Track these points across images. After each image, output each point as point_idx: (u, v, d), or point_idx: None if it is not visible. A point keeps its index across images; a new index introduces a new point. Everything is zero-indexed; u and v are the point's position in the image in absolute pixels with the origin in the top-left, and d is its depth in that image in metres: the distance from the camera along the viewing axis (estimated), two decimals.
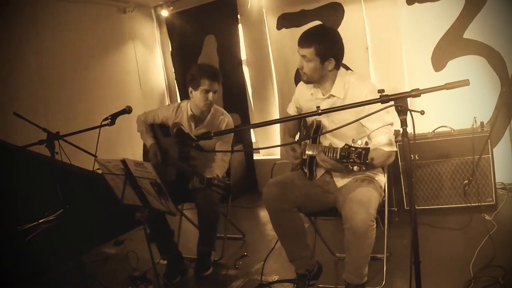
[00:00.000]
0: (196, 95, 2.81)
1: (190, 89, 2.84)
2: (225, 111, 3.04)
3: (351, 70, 4.06)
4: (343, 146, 1.89)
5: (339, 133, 2.24)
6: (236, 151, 4.59)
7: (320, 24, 2.29)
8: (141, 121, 3.08)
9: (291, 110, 2.64)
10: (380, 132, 2.14)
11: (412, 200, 1.63)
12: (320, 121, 2.32)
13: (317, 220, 2.83)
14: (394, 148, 2.17)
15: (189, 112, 2.93)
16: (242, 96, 4.86)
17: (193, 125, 2.95)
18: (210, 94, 2.78)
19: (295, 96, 2.58)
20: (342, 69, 2.31)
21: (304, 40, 2.20)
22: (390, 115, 2.12)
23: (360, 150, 1.83)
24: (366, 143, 1.84)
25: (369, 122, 2.15)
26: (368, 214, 2.03)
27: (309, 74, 2.25)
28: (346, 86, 2.24)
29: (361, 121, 2.14)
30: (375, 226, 2.07)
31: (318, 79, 2.28)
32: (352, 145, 1.87)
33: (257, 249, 3.24)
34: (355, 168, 1.85)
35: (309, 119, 2.44)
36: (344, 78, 2.27)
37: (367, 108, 1.99)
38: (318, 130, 2.31)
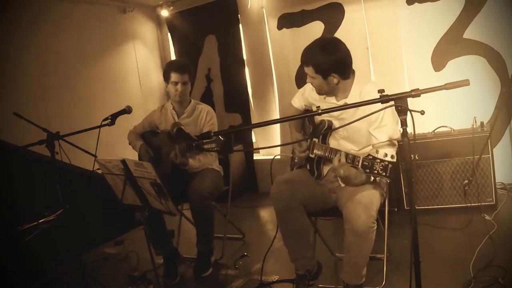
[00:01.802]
0: (169, 88, 3.03)
1: (166, 84, 3.05)
2: (204, 103, 3.20)
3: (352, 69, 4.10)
4: (367, 156, 1.87)
5: (350, 137, 2.28)
6: (236, 151, 4.59)
7: (319, 38, 2.24)
8: (131, 132, 3.22)
9: (297, 103, 2.60)
10: (387, 143, 2.15)
11: (412, 200, 1.63)
12: (331, 122, 2.32)
13: (317, 220, 2.83)
14: (395, 160, 2.18)
15: (171, 107, 3.11)
16: (243, 96, 4.86)
17: (176, 117, 3.10)
18: (179, 85, 2.96)
19: (305, 93, 2.53)
20: (358, 76, 2.27)
21: (303, 59, 2.19)
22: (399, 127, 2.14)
23: (387, 163, 1.80)
24: (392, 156, 1.82)
25: (380, 134, 2.15)
26: (369, 216, 2.03)
27: (317, 88, 2.26)
28: (362, 95, 2.22)
29: (370, 131, 2.18)
30: (375, 227, 2.07)
31: (328, 92, 2.27)
32: (376, 156, 1.84)
33: (257, 249, 3.24)
34: (378, 179, 1.83)
35: (318, 118, 2.43)
36: (360, 86, 2.24)
37: (380, 117, 2.07)
38: (328, 130, 2.31)
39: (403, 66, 3.95)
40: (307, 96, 2.51)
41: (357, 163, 1.96)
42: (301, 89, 2.58)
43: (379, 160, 1.82)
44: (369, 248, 2.10)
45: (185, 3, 5.05)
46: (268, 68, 4.76)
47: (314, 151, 2.30)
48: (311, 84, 2.26)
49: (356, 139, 2.28)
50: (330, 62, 2.12)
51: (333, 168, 2.17)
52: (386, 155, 1.83)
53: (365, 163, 1.87)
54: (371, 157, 1.85)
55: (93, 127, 2.46)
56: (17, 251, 3.01)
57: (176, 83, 2.95)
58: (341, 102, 2.27)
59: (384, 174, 1.81)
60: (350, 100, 2.24)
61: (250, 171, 4.92)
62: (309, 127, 2.56)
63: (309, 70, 2.18)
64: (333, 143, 2.35)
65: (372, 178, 1.85)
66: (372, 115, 1.95)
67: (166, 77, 2.98)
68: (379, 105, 1.89)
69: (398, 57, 3.94)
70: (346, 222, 2.08)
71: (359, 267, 2.16)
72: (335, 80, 2.17)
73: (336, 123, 2.31)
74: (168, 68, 2.97)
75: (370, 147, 2.25)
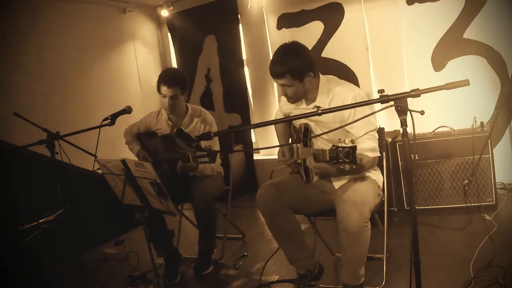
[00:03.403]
0: (161, 100, 2.91)
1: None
2: (203, 109, 3.09)
3: (352, 70, 4.11)
4: (331, 148, 1.87)
5: (328, 138, 2.27)
6: (236, 151, 4.59)
7: (281, 47, 2.25)
8: (127, 133, 3.17)
9: (279, 117, 2.64)
10: (364, 139, 2.16)
11: (412, 200, 1.63)
12: (307, 124, 2.32)
13: (317, 220, 2.83)
14: (378, 154, 2.20)
15: (166, 116, 3.01)
16: (242, 96, 4.86)
17: (171, 126, 3.01)
18: (167, 99, 2.82)
19: (281, 106, 2.58)
20: (322, 77, 2.28)
21: (277, 72, 2.17)
22: (375, 118, 2.18)
23: (348, 149, 1.80)
24: (352, 141, 1.82)
25: (354, 129, 2.16)
26: (361, 216, 2.02)
27: (295, 96, 2.25)
28: (330, 95, 2.22)
29: (346, 128, 2.17)
30: (369, 227, 2.07)
31: (304, 95, 2.27)
32: (339, 145, 1.84)
33: (257, 249, 3.24)
34: (347, 167, 1.83)
35: (296, 124, 2.43)
36: (326, 86, 2.24)
37: (352, 114, 2.10)
38: (307, 133, 2.31)
39: (403, 66, 3.95)
40: (283, 109, 2.54)
41: (325, 157, 1.96)
42: (279, 104, 2.60)
43: (341, 148, 1.82)
44: (364, 248, 2.10)
45: (185, 3, 5.06)
46: (268, 68, 4.74)
47: (300, 156, 2.31)
48: (286, 95, 2.24)
49: (333, 139, 2.26)
50: (303, 62, 2.15)
51: (308, 166, 2.18)
52: (346, 142, 1.82)
53: (331, 155, 1.86)
54: (334, 147, 1.85)
55: (93, 127, 2.46)
56: (17, 251, 3.01)
57: (164, 96, 2.83)
58: (312, 105, 2.27)
59: (347, 160, 1.79)
60: (319, 102, 2.24)
61: (250, 171, 4.92)
62: (293, 134, 2.56)
63: (285, 80, 2.16)
64: (316, 143, 2.36)
65: (342, 167, 1.83)
66: (343, 112, 2.08)
67: (157, 88, 2.87)
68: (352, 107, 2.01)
69: (398, 57, 3.95)
70: (339, 223, 2.09)
71: (356, 267, 2.16)
72: (310, 79, 2.18)
73: (312, 125, 2.32)
74: (158, 79, 2.84)
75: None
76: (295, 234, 2.39)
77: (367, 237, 2.07)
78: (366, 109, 2.10)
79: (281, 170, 2.64)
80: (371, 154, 2.15)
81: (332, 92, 2.22)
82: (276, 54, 2.22)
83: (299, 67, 2.13)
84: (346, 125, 1.91)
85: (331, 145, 2.25)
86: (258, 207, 2.38)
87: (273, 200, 2.31)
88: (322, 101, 2.23)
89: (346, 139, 1.83)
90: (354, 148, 1.80)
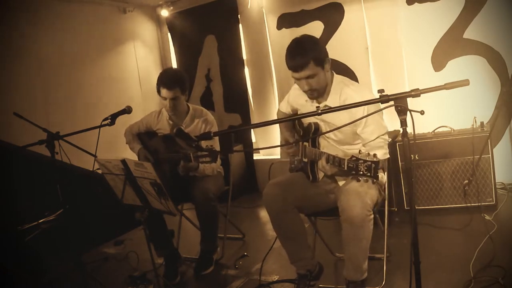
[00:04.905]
0: (161, 102, 2.92)
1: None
2: (204, 110, 3.09)
3: (352, 70, 4.11)
4: (350, 158, 1.87)
5: (343, 140, 2.28)
6: (236, 151, 4.59)
7: (295, 40, 2.22)
8: (128, 133, 3.17)
9: (284, 109, 2.62)
10: (376, 142, 2.16)
11: (412, 200, 1.63)
12: (318, 124, 2.32)
13: (317, 220, 2.83)
14: (387, 156, 2.21)
15: (167, 116, 3.01)
16: (243, 96, 4.86)
17: (171, 126, 3.01)
18: (168, 101, 2.82)
19: (289, 98, 2.56)
20: (336, 76, 2.27)
21: (298, 65, 2.12)
22: (384, 120, 2.18)
23: (370, 163, 1.80)
24: (375, 155, 1.82)
25: (366, 133, 2.16)
26: (364, 204, 2.02)
27: (319, 87, 2.21)
28: (342, 97, 2.21)
29: (358, 132, 2.19)
30: (372, 217, 2.07)
31: (326, 87, 2.25)
32: (360, 156, 1.84)
33: (257, 249, 3.24)
34: (365, 179, 1.84)
35: (306, 121, 2.44)
36: (339, 87, 2.23)
37: (364, 120, 2.09)
38: (316, 133, 2.31)
39: (403, 66, 3.95)
40: (291, 101, 2.53)
41: (343, 166, 1.96)
42: (286, 96, 2.59)
43: (362, 161, 1.82)
44: (368, 240, 2.10)
45: (185, 3, 5.06)
46: (268, 68, 4.76)
47: (307, 155, 2.31)
48: (311, 88, 2.18)
49: (342, 141, 2.30)
50: (322, 49, 2.17)
51: (321, 169, 2.19)
52: (369, 154, 1.82)
53: (350, 165, 1.87)
54: (354, 158, 1.85)
55: (93, 127, 2.46)
56: (17, 251, 3.01)
57: (165, 99, 2.83)
58: (322, 104, 2.27)
59: (369, 174, 1.80)
60: (330, 101, 2.24)
61: (250, 171, 4.92)
62: (299, 130, 2.56)
63: (309, 70, 2.12)
64: (323, 143, 2.36)
65: (360, 179, 1.84)
66: (356, 117, 2.04)
67: (158, 90, 2.86)
68: (363, 108, 2.04)
69: (398, 57, 3.95)
70: (341, 213, 2.08)
71: (359, 261, 2.15)
72: (328, 66, 2.19)
73: (322, 125, 2.31)
74: (158, 82, 2.84)
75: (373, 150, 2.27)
76: (299, 234, 2.39)
77: (370, 227, 2.06)
78: (376, 114, 2.11)
79: (280, 164, 2.64)
80: (382, 157, 2.13)
81: (345, 94, 2.20)
82: (291, 48, 2.19)
83: (319, 53, 2.15)
84: (352, 122, 1.89)
85: (339, 147, 2.28)
86: (264, 206, 2.38)
87: (280, 199, 2.31)
88: (333, 100, 2.23)
89: (365, 151, 1.83)
90: (377, 163, 1.80)
